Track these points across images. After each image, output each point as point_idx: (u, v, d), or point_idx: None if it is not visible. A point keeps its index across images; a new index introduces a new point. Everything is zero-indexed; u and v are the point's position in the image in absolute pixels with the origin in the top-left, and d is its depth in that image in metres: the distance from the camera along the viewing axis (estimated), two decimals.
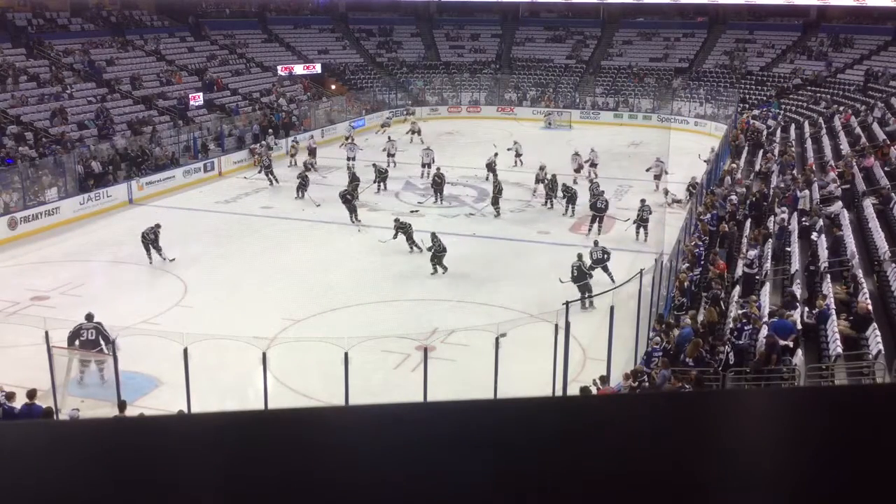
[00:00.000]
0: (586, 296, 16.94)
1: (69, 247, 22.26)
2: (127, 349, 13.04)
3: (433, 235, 19.80)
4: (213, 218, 25.37)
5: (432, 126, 42.42)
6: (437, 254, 19.45)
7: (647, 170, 28.70)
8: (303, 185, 27.11)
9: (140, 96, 35.78)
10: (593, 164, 30.27)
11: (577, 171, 29.72)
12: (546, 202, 26.16)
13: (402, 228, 21.41)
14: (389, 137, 34.20)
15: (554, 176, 26.42)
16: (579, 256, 17.84)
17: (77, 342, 13.54)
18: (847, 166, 22.96)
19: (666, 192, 26.97)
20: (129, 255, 21.15)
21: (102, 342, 13.57)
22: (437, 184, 26.65)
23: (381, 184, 28.26)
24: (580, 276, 17.31)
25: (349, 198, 24.37)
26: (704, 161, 28.71)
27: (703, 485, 0.92)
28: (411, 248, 21.05)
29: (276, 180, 29.12)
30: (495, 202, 25.21)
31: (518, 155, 31.83)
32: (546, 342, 13.01)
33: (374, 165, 28.94)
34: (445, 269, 19.50)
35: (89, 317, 13.98)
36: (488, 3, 54.65)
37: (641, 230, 22.41)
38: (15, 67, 33.45)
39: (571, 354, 13.23)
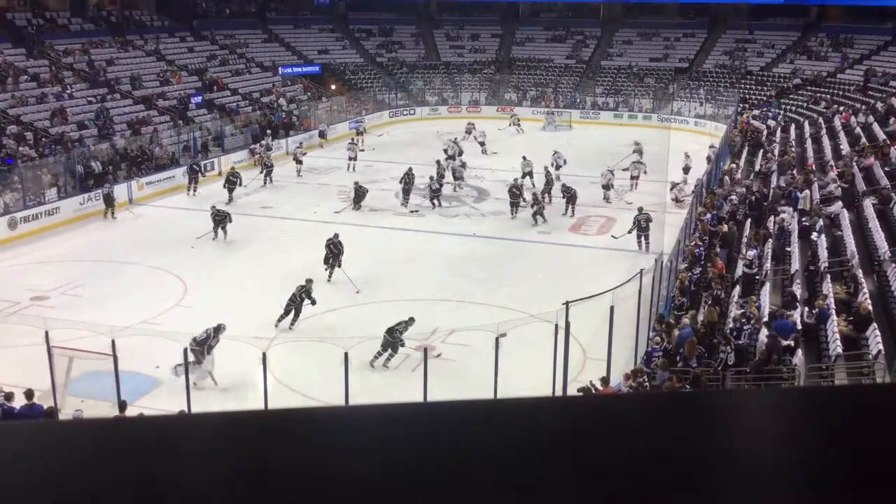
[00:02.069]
0: (643, 240, 21.43)
1: (69, 247, 22.26)
2: (127, 349, 13.03)
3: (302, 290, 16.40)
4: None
5: (432, 126, 42.44)
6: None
7: (624, 169, 28.77)
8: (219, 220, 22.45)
9: (140, 96, 35.79)
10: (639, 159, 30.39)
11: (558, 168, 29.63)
12: (512, 212, 24.85)
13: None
14: (453, 140, 33.86)
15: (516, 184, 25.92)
16: (640, 210, 21.99)
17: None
18: (847, 166, 22.96)
19: (672, 186, 27.01)
20: (129, 255, 21.16)
21: (205, 346, 13.76)
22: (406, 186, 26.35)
23: (268, 178, 29.08)
24: (646, 228, 21.53)
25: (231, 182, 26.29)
26: (682, 169, 28.78)
27: (703, 485, 0.92)
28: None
29: (270, 181, 29.18)
30: (406, 193, 26.13)
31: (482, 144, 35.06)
32: (546, 342, 13.02)
33: (261, 163, 29.77)
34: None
35: (219, 328, 14.06)
36: (488, 3, 54.68)
37: (570, 208, 25.10)
38: (15, 67, 33.45)
39: (571, 354, 13.23)
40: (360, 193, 25.52)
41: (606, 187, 26.82)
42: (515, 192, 25.06)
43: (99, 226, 24.54)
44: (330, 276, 18.90)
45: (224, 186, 27.01)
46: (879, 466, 0.92)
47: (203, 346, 13.63)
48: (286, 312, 16.08)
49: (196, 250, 21.54)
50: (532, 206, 24.22)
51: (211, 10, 49.66)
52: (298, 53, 48.80)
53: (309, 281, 16.58)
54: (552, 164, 28.81)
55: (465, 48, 52.90)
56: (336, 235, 19.51)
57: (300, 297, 16.17)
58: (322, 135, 38.01)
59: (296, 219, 25.10)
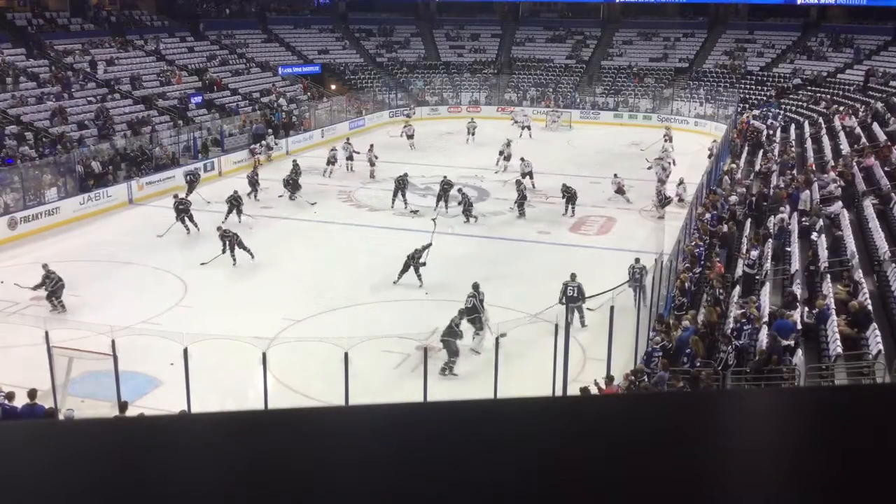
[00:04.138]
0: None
1: (69, 247, 22.24)
2: (127, 349, 13.03)
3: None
4: (213, 218, 25.33)
5: (432, 126, 42.44)
6: None
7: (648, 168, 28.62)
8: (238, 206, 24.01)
9: (140, 96, 35.78)
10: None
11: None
12: (467, 218, 24.27)
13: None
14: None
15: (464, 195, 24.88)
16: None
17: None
18: (847, 166, 22.95)
19: (679, 184, 27.07)
20: (128, 255, 21.15)
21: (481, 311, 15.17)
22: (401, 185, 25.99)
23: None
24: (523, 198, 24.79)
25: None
26: (647, 168, 28.61)
27: (704, 485, 0.92)
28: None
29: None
30: (402, 194, 25.91)
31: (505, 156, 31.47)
32: (546, 342, 13.02)
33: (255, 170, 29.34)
34: None
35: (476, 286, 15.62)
36: (488, 2, 54.67)
37: (569, 208, 25.16)
38: (15, 67, 33.45)
39: (571, 354, 13.23)
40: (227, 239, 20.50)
41: (661, 181, 26.82)
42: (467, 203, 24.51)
43: (99, 225, 24.50)
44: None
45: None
46: (880, 467, 0.92)
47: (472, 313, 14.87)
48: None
49: (196, 250, 21.54)
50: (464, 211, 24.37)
51: (211, 10, 49.68)
52: (298, 53, 48.79)
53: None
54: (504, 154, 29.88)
55: (465, 48, 52.89)
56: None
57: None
58: (408, 120, 38.23)
59: (296, 219, 25.10)
